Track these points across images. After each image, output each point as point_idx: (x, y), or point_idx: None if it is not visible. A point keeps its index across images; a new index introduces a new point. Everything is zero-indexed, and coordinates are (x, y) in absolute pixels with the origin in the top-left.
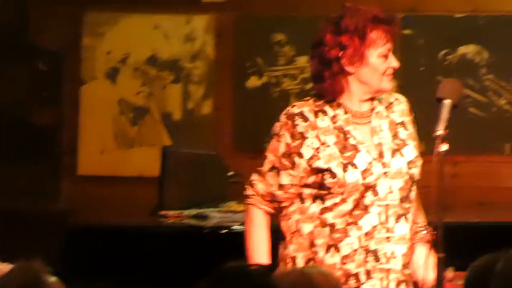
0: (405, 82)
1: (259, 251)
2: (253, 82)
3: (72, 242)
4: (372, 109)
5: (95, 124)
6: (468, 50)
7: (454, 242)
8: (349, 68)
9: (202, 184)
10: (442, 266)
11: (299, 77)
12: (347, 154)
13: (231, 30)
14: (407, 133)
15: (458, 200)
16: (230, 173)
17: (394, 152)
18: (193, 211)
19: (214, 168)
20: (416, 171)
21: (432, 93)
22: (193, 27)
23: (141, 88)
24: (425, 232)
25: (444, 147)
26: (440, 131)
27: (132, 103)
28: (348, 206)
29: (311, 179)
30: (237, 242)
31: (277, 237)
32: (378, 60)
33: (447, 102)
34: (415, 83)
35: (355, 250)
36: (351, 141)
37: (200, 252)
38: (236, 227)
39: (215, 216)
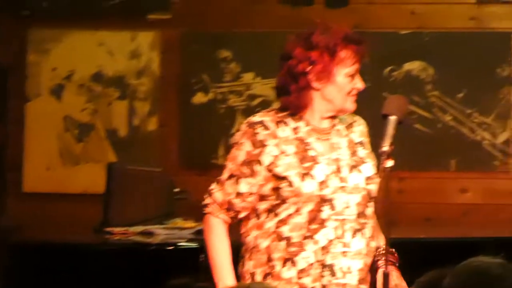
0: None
1: (222, 261)
2: (199, 98)
3: (17, 258)
4: (333, 126)
5: (40, 141)
6: (413, 66)
7: (400, 258)
8: (315, 84)
9: (148, 200)
10: (387, 282)
11: (245, 93)
12: (306, 164)
13: (176, 47)
14: (366, 152)
15: (404, 216)
16: (176, 190)
17: (352, 168)
18: (139, 228)
19: (160, 185)
20: (373, 187)
21: (377, 109)
22: (139, 44)
23: (86, 104)
24: (389, 254)
25: (389, 163)
26: (385, 147)
27: (77, 119)
28: (303, 218)
29: (269, 187)
30: (183, 258)
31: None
32: (345, 80)
33: (393, 119)
34: (361, 100)
35: (311, 264)
36: (311, 152)
37: (146, 269)
38: (182, 244)
39: (161, 233)
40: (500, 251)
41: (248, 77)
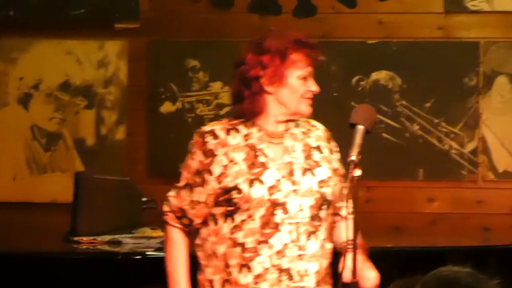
0: (318, 107)
1: (177, 271)
2: (167, 107)
3: None
4: (287, 130)
5: (7, 150)
6: (381, 76)
7: None
8: (268, 88)
9: (115, 210)
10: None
11: (213, 102)
12: (255, 170)
13: (144, 56)
14: (321, 156)
15: (372, 225)
16: (144, 199)
17: (305, 171)
18: (107, 237)
19: (128, 194)
20: (328, 190)
21: (345, 119)
22: (106, 53)
23: (53, 113)
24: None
25: (357, 172)
26: (353, 156)
27: (45, 129)
28: (256, 223)
29: (220, 196)
30: (151, 267)
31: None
32: (298, 82)
33: (360, 128)
34: (328, 109)
35: (267, 269)
36: (261, 158)
37: (114, 278)
38: (150, 252)
39: (129, 242)
40: (468, 260)
41: (216, 86)
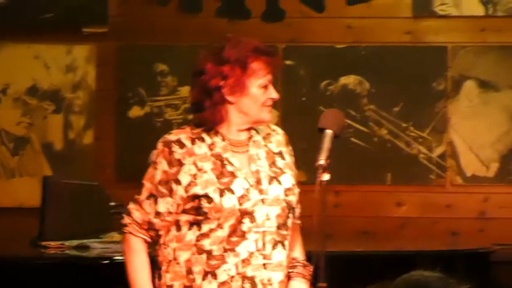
0: (286, 112)
1: (140, 278)
2: (135, 112)
3: None
4: (250, 138)
5: None
6: (349, 80)
7: (337, 272)
8: (229, 98)
9: (83, 214)
10: None
11: (182, 107)
12: (224, 180)
13: (112, 60)
14: (284, 162)
15: (340, 229)
16: (112, 204)
17: (271, 179)
18: (75, 242)
19: (96, 199)
20: (293, 198)
21: (313, 123)
22: (74, 57)
23: (21, 118)
24: (303, 267)
25: (326, 176)
26: (321, 161)
27: (13, 133)
28: (224, 232)
29: (189, 205)
30: (119, 272)
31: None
32: (259, 91)
33: (329, 132)
34: (297, 114)
35: (232, 277)
36: (228, 167)
37: (81, 283)
38: (118, 257)
39: (97, 246)
40: (437, 264)
41: (184, 90)
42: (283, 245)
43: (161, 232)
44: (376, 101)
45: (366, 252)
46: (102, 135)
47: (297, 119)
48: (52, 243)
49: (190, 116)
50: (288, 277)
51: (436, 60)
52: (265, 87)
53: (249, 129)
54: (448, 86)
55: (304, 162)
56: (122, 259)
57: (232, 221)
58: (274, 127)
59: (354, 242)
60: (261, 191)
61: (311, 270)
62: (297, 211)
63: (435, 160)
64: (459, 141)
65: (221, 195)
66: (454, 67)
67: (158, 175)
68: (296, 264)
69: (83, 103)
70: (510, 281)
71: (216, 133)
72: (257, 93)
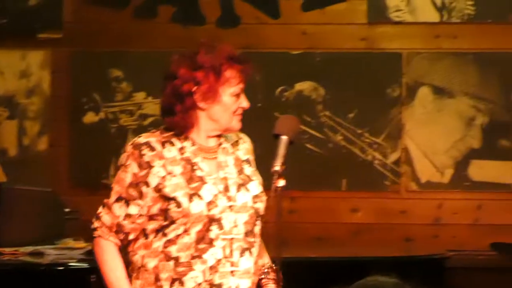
0: (242, 118)
1: (116, 276)
2: (90, 118)
3: None
4: (219, 145)
5: None
6: (304, 86)
7: (293, 278)
8: (201, 104)
9: (38, 221)
10: None
11: (137, 113)
12: (194, 185)
13: (67, 66)
14: (252, 170)
15: (296, 235)
16: (67, 210)
17: (240, 186)
18: (29, 248)
19: (51, 205)
20: (261, 205)
21: (269, 129)
22: (29, 63)
23: None
24: (274, 273)
25: (281, 182)
26: (277, 167)
27: None
28: (191, 238)
29: (157, 207)
30: (73, 279)
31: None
32: (231, 99)
33: (284, 138)
34: (252, 120)
35: (199, 284)
36: (198, 172)
37: None
38: (73, 264)
39: (51, 253)
40: (392, 271)
41: (139, 96)
42: (250, 252)
43: (131, 236)
44: (331, 107)
45: (321, 258)
46: (57, 141)
47: (252, 125)
48: (6, 250)
49: (145, 122)
50: (261, 285)
51: (391, 66)
52: (237, 95)
53: (218, 136)
54: (403, 93)
55: (260, 168)
56: (76, 266)
57: (199, 227)
58: (241, 134)
59: (309, 248)
60: (229, 198)
61: (281, 274)
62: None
63: (390, 166)
64: (413, 147)
65: (190, 200)
66: (409, 74)
67: (128, 178)
68: (267, 269)
69: (38, 109)
70: (464, 287)
71: (186, 138)
72: (229, 101)
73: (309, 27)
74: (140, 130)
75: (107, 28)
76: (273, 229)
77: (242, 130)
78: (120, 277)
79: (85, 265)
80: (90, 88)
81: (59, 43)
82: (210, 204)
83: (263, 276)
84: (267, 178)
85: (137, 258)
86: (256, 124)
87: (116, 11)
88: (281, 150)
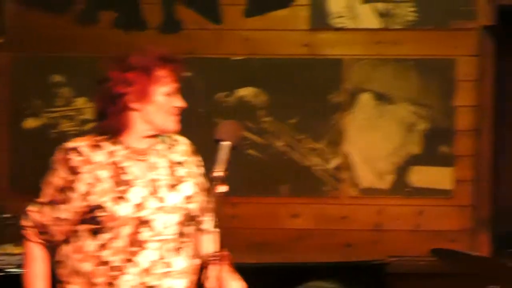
0: (183, 123)
1: (36, 285)
2: (30, 123)
3: None
4: (151, 146)
5: None
6: (246, 92)
7: None
8: (134, 105)
9: None
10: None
11: (78, 118)
12: (120, 188)
13: (7, 71)
14: (186, 171)
15: (236, 241)
16: (6, 215)
17: (170, 188)
18: None
19: None
20: (193, 206)
21: (210, 135)
22: None
23: None
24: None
25: (222, 188)
26: (218, 172)
27: None
28: (122, 242)
29: (85, 212)
30: (13, 285)
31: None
32: (164, 99)
33: (226, 144)
34: (194, 125)
35: (134, 287)
36: (126, 176)
37: None
38: (12, 270)
39: None
40: (333, 276)
41: (80, 102)
42: (184, 252)
43: (58, 238)
44: (272, 113)
45: (262, 264)
46: None
47: (194, 131)
48: None
49: (86, 128)
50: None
51: (332, 72)
52: (171, 95)
53: (153, 137)
54: (344, 99)
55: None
56: (15, 271)
57: (128, 230)
58: (179, 137)
59: (250, 254)
60: (159, 199)
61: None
62: (212, 220)
63: (331, 172)
64: (354, 153)
65: (117, 203)
66: (350, 80)
67: (56, 182)
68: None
69: None
70: None
71: (118, 141)
72: (161, 101)
73: (251, 33)
74: (81, 135)
75: (48, 33)
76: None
77: (184, 135)
78: (38, 286)
79: (23, 270)
80: (31, 93)
81: (0, 48)
82: (138, 206)
83: (210, 259)
84: (208, 182)
85: (70, 263)
86: (198, 130)
87: (58, 16)
88: (223, 155)
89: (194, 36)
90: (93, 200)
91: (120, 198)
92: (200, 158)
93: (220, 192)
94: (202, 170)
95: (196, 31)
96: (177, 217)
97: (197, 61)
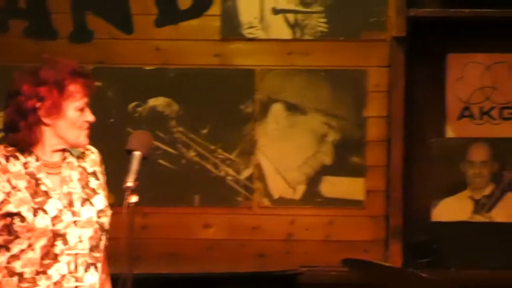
0: (94, 133)
1: None
2: None
3: None
4: (64, 159)
5: None
6: (158, 102)
7: None
8: (46, 120)
9: None
10: None
11: None
12: (38, 199)
13: None
14: (98, 183)
15: (148, 251)
16: None
17: (84, 201)
18: None
19: None
20: (105, 220)
21: (122, 144)
22: None
23: None
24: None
25: (134, 198)
26: (130, 182)
27: None
28: (35, 253)
29: (1, 223)
30: None
31: None
32: (75, 114)
33: (137, 154)
34: (105, 135)
35: None
36: (43, 187)
37: None
38: None
39: None
40: (244, 286)
41: None
42: (95, 267)
43: None
44: (184, 123)
45: (173, 274)
46: None
47: (105, 141)
48: None
49: None
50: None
51: (244, 82)
52: (82, 109)
53: (63, 150)
54: (256, 109)
55: (112, 184)
56: None
57: (43, 242)
58: (88, 146)
59: (161, 264)
60: (74, 213)
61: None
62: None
63: (243, 182)
64: (266, 163)
65: (35, 214)
66: (262, 90)
67: None
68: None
69: None
70: None
71: (30, 153)
72: (73, 116)
73: (162, 43)
74: None
75: None
76: (125, 245)
77: (95, 145)
78: None
79: None
80: None
81: None
82: (55, 219)
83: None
84: (120, 194)
85: None
86: (109, 140)
87: None
88: (134, 166)
89: (105, 46)
90: (10, 209)
91: (38, 209)
92: (104, 167)
93: (131, 203)
94: (105, 179)
95: (107, 41)
96: (90, 232)
97: (108, 70)
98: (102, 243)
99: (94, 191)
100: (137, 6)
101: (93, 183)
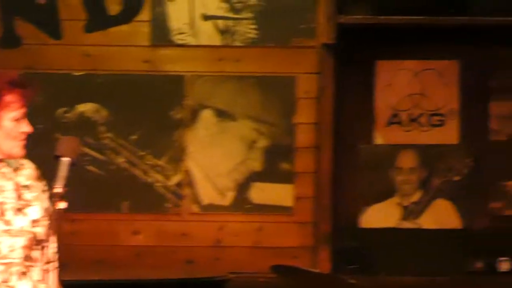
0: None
1: None
2: None
3: None
4: None
5: None
6: (86, 108)
7: None
8: None
9: None
10: None
11: None
12: None
13: None
14: (33, 195)
15: (76, 258)
16: None
17: (17, 211)
18: None
19: None
20: (40, 230)
21: (50, 151)
22: None
23: None
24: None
25: (62, 204)
26: (58, 189)
27: None
28: None
29: None
30: None
31: None
32: (11, 124)
33: (65, 160)
34: (33, 141)
35: None
36: None
37: None
38: None
39: None
40: None
41: None
42: (29, 276)
43: None
44: (113, 129)
45: (102, 281)
46: None
47: (33, 147)
48: None
49: None
50: None
51: (174, 88)
52: (18, 120)
53: None
54: (185, 115)
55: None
56: None
57: None
58: (24, 161)
59: (90, 271)
60: (6, 222)
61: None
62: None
63: (172, 188)
64: (196, 169)
65: None
66: (192, 96)
67: None
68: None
69: None
70: None
71: None
72: (9, 126)
73: (91, 49)
74: None
75: None
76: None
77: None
78: None
79: None
80: None
81: None
82: None
83: None
84: (48, 200)
85: None
86: (37, 146)
87: None
88: (62, 172)
89: (34, 51)
90: None
91: None
92: (45, 183)
93: (60, 209)
94: (47, 194)
95: (36, 46)
96: (22, 241)
97: (37, 76)
98: (37, 253)
99: (28, 202)
100: (66, 11)
101: (27, 195)
